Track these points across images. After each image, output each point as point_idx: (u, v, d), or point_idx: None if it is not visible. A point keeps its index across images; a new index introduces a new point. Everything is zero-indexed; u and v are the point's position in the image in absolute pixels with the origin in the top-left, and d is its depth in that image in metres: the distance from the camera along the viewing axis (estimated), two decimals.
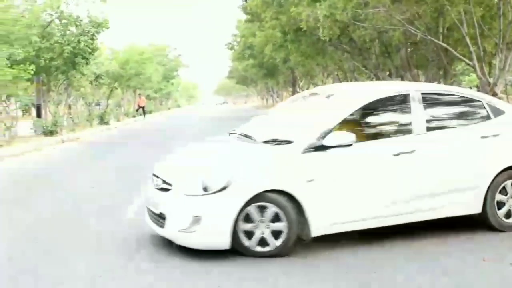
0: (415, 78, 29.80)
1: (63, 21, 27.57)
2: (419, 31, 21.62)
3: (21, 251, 7.25)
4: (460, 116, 7.84)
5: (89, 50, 27.68)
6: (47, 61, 26.19)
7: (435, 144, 7.39)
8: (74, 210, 9.74)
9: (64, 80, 29.95)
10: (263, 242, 6.73)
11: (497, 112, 7.89)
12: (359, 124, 7.43)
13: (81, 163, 17.07)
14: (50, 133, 25.45)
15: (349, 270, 6.32)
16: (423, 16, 20.86)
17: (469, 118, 7.81)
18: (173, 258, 6.76)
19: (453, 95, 7.95)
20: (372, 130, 7.54)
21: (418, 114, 7.44)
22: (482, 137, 7.58)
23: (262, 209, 6.68)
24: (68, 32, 27.67)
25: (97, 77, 34.90)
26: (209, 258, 6.64)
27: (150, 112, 59.87)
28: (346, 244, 7.16)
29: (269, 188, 6.65)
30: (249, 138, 7.81)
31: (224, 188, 6.60)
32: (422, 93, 7.61)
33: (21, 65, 22.08)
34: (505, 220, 7.66)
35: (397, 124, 7.61)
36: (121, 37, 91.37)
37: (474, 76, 30.52)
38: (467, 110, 7.88)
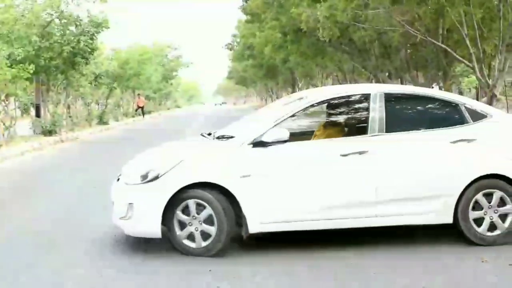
0: (414, 80, 29.81)
1: (63, 20, 27.53)
2: (419, 32, 21.62)
3: (17, 247, 7.26)
4: (430, 119, 7.44)
5: (89, 50, 27.64)
6: (47, 61, 26.16)
7: (392, 146, 7.01)
8: (73, 210, 9.74)
9: (64, 80, 29.92)
10: (192, 237, 6.84)
11: (477, 116, 7.29)
12: (311, 124, 7.63)
13: (80, 162, 17.07)
14: (49, 132, 25.45)
15: (352, 270, 6.33)
16: (423, 18, 20.86)
17: (441, 121, 7.31)
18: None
19: (426, 97, 7.62)
20: (325, 129, 7.58)
21: (377, 115, 7.10)
22: (452, 142, 7.03)
23: (197, 205, 6.78)
24: (67, 31, 27.63)
25: (97, 77, 34.86)
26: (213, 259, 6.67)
27: (150, 112, 59.89)
28: (352, 243, 7.19)
29: (200, 181, 6.72)
30: (209, 136, 7.84)
31: (156, 178, 6.77)
32: (386, 94, 7.29)
33: (21, 65, 22.07)
34: (487, 234, 7.10)
35: (352, 124, 7.51)
36: (123, 36, 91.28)
37: (473, 77, 30.54)
38: (439, 113, 7.50)
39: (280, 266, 6.45)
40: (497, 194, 7.05)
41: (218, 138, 7.47)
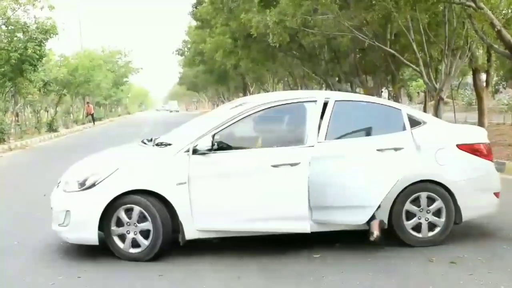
0: (363, 84, 30.23)
1: (10, 27, 27.08)
2: (367, 37, 21.97)
3: None
4: (369, 126, 7.45)
5: (37, 57, 27.22)
6: None
7: (327, 155, 6.91)
8: (21, 218, 9.62)
9: (12, 87, 29.43)
10: (136, 244, 6.88)
11: (415, 122, 7.38)
12: (249, 132, 7.53)
13: (30, 170, 16.82)
14: None
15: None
16: (371, 23, 21.18)
17: (379, 128, 7.33)
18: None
19: (371, 103, 7.70)
20: (260, 139, 7.44)
21: (314, 124, 7.05)
22: (379, 150, 6.95)
23: (130, 211, 6.83)
24: (15, 38, 27.19)
25: (46, 84, 34.35)
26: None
27: (100, 119, 59.28)
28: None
29: (136, 188, 6.78)
30: (148, 143, 7.83)
31: (92, 186, 6.82)
32: (337, 101, 7.30)
33: None
34: (429, 234, 7.31)
35: (289, 134, 7.53)
36: (72, 42, 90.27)
37: (421, 81, 31.07)
38: (378, 119, 7.51)
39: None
40: (424, 195, 7.29)
41: (157, 145, 7.48)
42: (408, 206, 7.26)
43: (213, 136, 6.88)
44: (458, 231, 7.76)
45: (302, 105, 7.30)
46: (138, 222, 6.82)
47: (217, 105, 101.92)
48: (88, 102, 54.25)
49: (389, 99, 38.64)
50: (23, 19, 27.11)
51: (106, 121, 60.98)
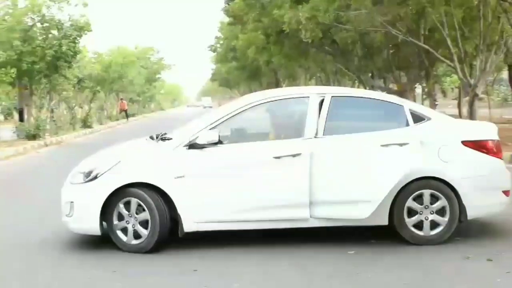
0: (397, 80, 29.98)
1: (45, 24, 27.42)
2: (401, 33, 21.77)
3: None
4: (371, 121, 7.53)
5: (71, 54, 27.53)
6: (29, 65, 26.04)
7: (327, 149, 7.04)
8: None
9: (47, 83, 29.80)
10: (137, 235, 7.12)
11: (419, 118, 7.35)
12: (251, 126, 7.78)
13: (64, 166, 16.98)
14: (33, 137, 25.34)
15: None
16: (405, 18, 20.99)
17: (381, 123, 7.41)
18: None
19: (368, 100, 7.70)
20: (262, 132, 7.77)
21: (314, 118, 7.16)
22: (384, 146, 6.99)
23: (129, 203, 7.10)
24: (50, 35, 27.53)
25: (80, 80, 34.72)
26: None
27: (134, 115, 59.70)
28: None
29: (135, 181, 7.03)
30: (155, 138, 7.98)
31: (95, 178, 7.11)
32: (327, 97, 7.33)
33: (3, 69, 21.97)
34: (431, 233, 7.20)
35: (289, 127, 7.67)
36: (106, 39, 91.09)
37: (455, 77, 30.74)
38: (380, 115, 7.58)
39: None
40: (427, 193, 7.16)
41: (161, 140, 7.66)
42: (410, 203, 7.15)
43: (208, 130, 7.12)
44: (494, 227, 7.68)
45: (300, 100, 7.48)
46: (137, 213, 7.06)
47: None
48: (121, 99, 54.68)
49: (422, 95, 38.36)
50: (57, 16, 27.46)
51: (139, 117, 61.38)
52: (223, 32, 56.18)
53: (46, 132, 27.55)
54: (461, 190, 7.14)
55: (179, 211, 7.00)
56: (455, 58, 20.26)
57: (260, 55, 37.66)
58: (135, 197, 7.04)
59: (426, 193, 7.15)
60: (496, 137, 7.49)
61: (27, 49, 25.89)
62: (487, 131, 7.59)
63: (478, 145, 7.30)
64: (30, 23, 27.13)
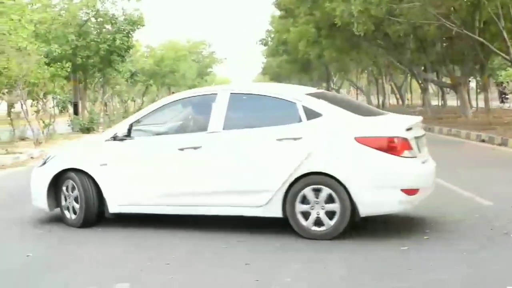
0: (450, 73, 29.57)
1: (99, 19, 27.91)
2: (455, 25, 21.46)
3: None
4: (266, 117, 7.69)
5: (125, 48, 27.94)
6: (84, 59, 26.53)
7: (226, 143, 7.50)
8: None
9: (100, 77, 30.31)
10: (74, 211, 8.12)
11: (313, 114, 7.30)
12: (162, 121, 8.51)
13: None
14: (87, 130, 25.86)
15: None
16: (459, 10, 20.70)
17: (276, 119, 7.51)
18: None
19: (266, 96, 7.81)
20: (173, 126, 8.41)
21: (217, 113, 7.62)
22: (279, 140, 7.21)
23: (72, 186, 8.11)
24: (104, 30, 28.00)
25: (133, 74, 35.21)
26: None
27: None
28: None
29: (70, 167, 8.10)
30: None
31: (44, 163, 8.48)
32: (232, 94, 7.75)
33: (58, 63, 22.43)
34: (313, 228, 7.09)
35: (196, 122, 8.19)
36: (157, 33, 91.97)
37: (511, 70, 30.11)
38: (275, 111, 7.69)
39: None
40: (325, 191, 7.02)
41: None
42: (302, 196, 7.09)
43: (131, 125, 7.98)
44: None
45: (210, 97, 8.01)
46: (72, 192, 8.07)
47: None
48: (173, 92, 55.23)
49: (477, 88, 37.74)
50: (111, 11, 27.89)
51: None
52: (274, 26, 56.24)
53: (99, 125, 28.03)
54: (351, 186, 6.96)
55: (104, 194, 7.95)
56: (511, 51, 19.88)
57: (311, 48, 37.61)
58: (71, 180, 8.08)
59: (317, 188, 7.07)
60: (400, 134, 7.10)
61: (82, 43, 26.39)
62: (389, 128, 7.26)
63: (373, 142, 7.03)
64: (84, 18, 27.66)
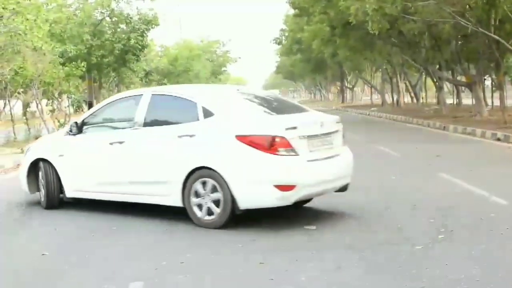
0: (465, 71, 29.41)
1: (114, 19, 28.00)
2: (470, 23, 21.34)
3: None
4: (173, 115, 8.54)
5: (139, 47, 28.02)
6: (98, 59, 26.64)
7: (141, 138, 8.51)
8: None
9: (115, 77, 30.42)
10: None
11: (208, 114, 8.05)
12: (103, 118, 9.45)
13: None
14: None
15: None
16: (474, 8, 20.58)
17: (181, 117, 8.36)
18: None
19: (177, 97, 8.61)
20: (110, 123, 9.38)
21: (140, 112, 8.63)
22: (179, 136, 8.09)
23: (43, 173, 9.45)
24: (118, 29, 28.09)
25: (147, 73, 35.31)
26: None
27: None
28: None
29: (40, 157, 9.46)
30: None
31: (25, 154, 10.00)
32: (153, 95, 8.75)
33: (73, 63, 22.54)
34: (205, 218, 7.80)
35: (125, 119, 9.04)
36: (171, 31, 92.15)
37: None
38: (181, 110, 8.44)
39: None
40: (211, 182, 7.74)
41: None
42: (196, 188, 7.83)
43: (82, 121, 9.20)
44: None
45: (137, 98, 8.93)
46: (42, 178, 9.42)
47: (314, 94, 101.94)
48: None
49: (492, 87, 37.50)
50: (126, 10, 27.98)
51: None
52: (288, 25, 56.17)
53: None
54: (230, 181, 7.59)
55: (62, 181, 9.24)
56: None
57: (325, 47, 37.57)
58: (42, 168, 9.43)
59: (207, 181, 7.79)
60: (277, 133, 7.54)
61: (97, 43, 26.50)
62: (270, 127, 7.73)
63: (249, 140, 7.62)
64: (99, 18, 27.76)
